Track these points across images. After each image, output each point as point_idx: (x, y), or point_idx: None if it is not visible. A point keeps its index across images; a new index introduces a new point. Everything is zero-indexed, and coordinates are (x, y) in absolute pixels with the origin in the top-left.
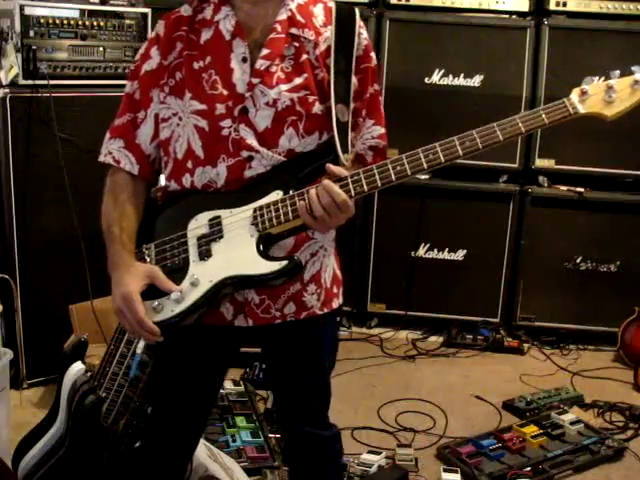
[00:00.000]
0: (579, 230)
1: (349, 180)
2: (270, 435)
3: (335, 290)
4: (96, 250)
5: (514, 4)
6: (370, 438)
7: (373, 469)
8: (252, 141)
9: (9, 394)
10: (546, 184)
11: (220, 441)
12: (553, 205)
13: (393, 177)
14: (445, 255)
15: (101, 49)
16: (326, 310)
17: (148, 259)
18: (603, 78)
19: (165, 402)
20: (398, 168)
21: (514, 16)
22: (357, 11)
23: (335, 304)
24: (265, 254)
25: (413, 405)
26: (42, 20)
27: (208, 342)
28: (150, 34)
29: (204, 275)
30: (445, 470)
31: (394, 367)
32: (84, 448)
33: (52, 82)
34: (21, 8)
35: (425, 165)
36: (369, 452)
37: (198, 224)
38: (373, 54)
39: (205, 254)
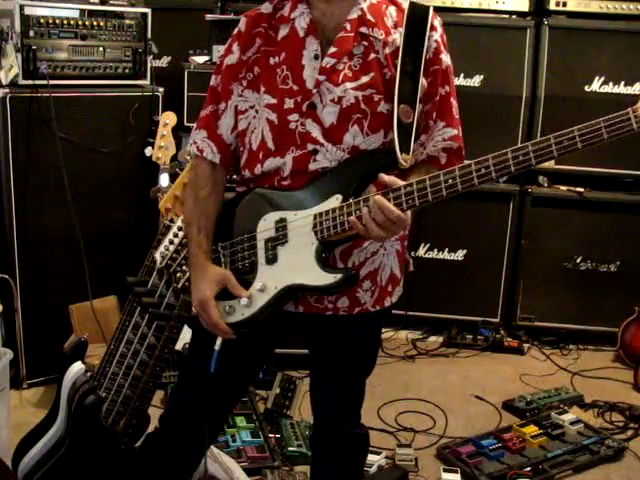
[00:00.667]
0: (579, 230)
1: (402, 192)
2: (270, 435)
3: (390, 289)
4: (95, 250)
5: (514, 4)
6: (370, 438)
7: (373, 469)
8: (317, 135)
9: (9, 394)
10: (546, 184)
11: (220, 441)
12: (553, 205)
13: (444, 192)
14: (445, 255)
15: (101, 49)
16: (378, 307)
17: (223, 259)
18: (603, 79)
19: (199, 382)
20: (450, 182)
21: (514, 16)
22: (431, 12)
23: (387, 302)
24: (324, 263)
25: (413, 405)
26: (42, 20)
27: (262, 324)
28: (234, 31)
29: (271, 280)
30: (445, 470)
31: (394, 367)
32: (84, 448)
33: (52, 82)
34: (21, 8)
35: (476, 181)
36: (369, 452)
37: (266, 226)
38: (444, 56)
39: (272, 259)
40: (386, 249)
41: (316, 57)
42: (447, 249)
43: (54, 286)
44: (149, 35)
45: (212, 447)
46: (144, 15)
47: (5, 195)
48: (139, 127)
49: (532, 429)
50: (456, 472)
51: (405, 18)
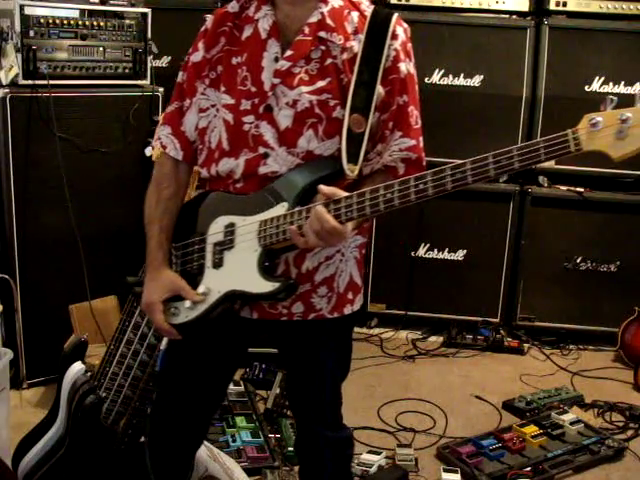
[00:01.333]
0: (579, 230)
1: (342, 204)
2: (270, 435)
3: (350, 296)
4: (95, 250)
5: (514, 4)
6: (370, 438)
7: (373, 469)
8: (269, 138)
9: (9, 394)
10: (546, 184)
11: (220, 441)
12: (553, 205)
13: (382, 207)
14: (445, 255)
15: (101, 49)
16: (336, 314)
17: (174, 260)
18: (603, 79)
19: (174, 393)
20: (388, 196)
21: (514, 16)
22: (393, 20)
23: (347, 310)
24: (265, 270)
25: (413, 405)
26: (42, 20)
27: (216, 329)
28: (202, 29)
29: (215, 285)
30: (445, 470)
31: (394, 367)
32: (84, 448)
33: (52, 82)
34: (21, 8)
35: (413, 197)
36: (369, 452)
37: (217, 229)
38: (404, 64)
39: (218, 263)
40: (344, 255)
41: (276, 59)
42: (447, 249)
43: (54, 286)
44: (149, 35)
45: (212, 447)
46: (144, 15)
47: (5, 195)
48: (139, 127)
49: (532, 429)
50: (456, 472)
51: (366, 25)
